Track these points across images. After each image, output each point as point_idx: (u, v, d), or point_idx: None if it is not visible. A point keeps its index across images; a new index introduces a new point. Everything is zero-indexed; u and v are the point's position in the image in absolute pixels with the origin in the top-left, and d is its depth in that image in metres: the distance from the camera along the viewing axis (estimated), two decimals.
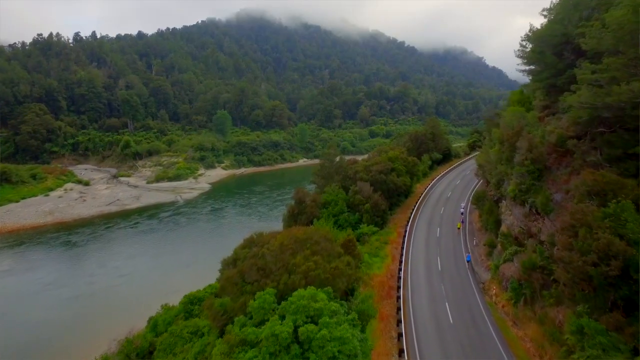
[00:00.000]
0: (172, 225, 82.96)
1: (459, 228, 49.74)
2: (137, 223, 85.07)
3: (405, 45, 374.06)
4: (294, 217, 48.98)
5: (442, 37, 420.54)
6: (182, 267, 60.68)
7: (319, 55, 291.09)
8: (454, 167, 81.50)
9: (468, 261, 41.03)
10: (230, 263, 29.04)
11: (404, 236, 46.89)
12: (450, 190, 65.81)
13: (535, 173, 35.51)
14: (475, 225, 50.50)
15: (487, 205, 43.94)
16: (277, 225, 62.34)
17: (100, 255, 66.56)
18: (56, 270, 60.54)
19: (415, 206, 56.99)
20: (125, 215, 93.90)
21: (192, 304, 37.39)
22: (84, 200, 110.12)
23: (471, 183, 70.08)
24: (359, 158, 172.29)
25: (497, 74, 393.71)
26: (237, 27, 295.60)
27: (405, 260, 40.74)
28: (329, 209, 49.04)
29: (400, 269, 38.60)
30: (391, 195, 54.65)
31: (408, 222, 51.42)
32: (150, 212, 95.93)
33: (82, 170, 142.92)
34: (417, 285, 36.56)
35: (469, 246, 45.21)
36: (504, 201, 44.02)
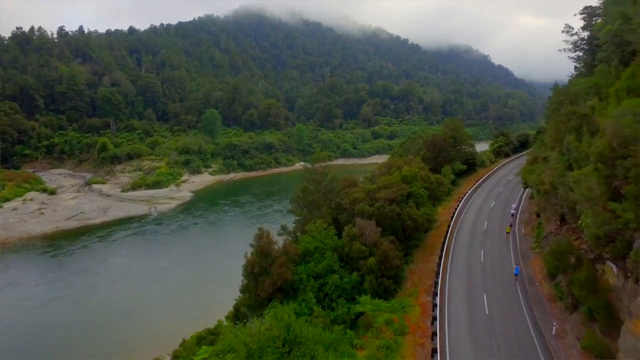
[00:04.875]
0: (121, 249, 64.73)
1: (507, 232, 41.02)
2: (84, 247, 66.32)
3: (409, 42, 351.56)
4: (255, 278, 29.39)
5: (445, 34, 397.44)
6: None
7: (320, 53, 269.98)
8: (483, 181, 61.09)
9: (516, 274, 32.11)
10: None
11: (433, 317, 27.10)
12: (486, 218, 45.84)
13: None
14: (542, 289, 30.69)
15: (583, 273, 23.93)
16: (237, 252, 42.31)
17: None
18: None
19: (442, 249, 37.06)
20: (79, 234, 75.37)
21: None
22: (42, 214, 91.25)
23: (511, 202, 50.38)
24: (361, 162, 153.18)
25: (503, 73, 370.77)
26: (235, 24, 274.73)
27: None
28: (310, 264, 29.44)
29: None
30: (408, 236, 34.97)
31: (436, 281, 31.62)
32: (110, 229, 77.37)
33: (55, 175, 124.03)
34: None
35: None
36: (611, 265, 24.21)
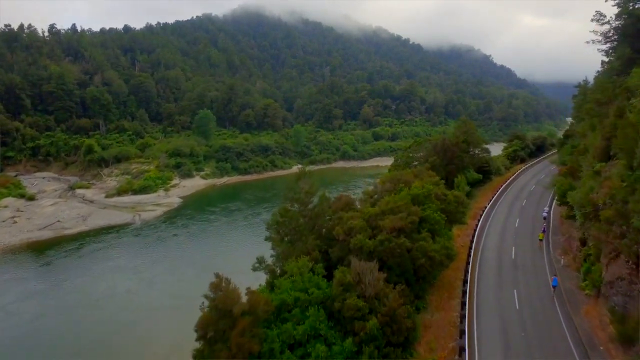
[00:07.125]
0: (87, 267, 55.86)
1: (540, 240, 37.04)
2: (47, 263, 57.87)
3: (410, 42, 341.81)
4: (210, 344, 20.51)
5: (447, 34, 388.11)
6: None
7: (320, 52, 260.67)
8: (501, 192, 51.92)
9: (554, 286, 28.23)
10: None
11: None
12: (513, 243, 36.92)
13: None
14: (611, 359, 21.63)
15: None
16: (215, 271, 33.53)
17: None
18: None
19: (463, 290, 28.03)
20: (49, 246, 66.87)
21: None
22: (15, 222, 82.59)
23: (538, 220, 41.50)
24: (361, 165, 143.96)
25: (505, 73, 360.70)
26: (233, 23, 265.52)
27: None
28: (287, 325, 20.63)
29: None
30: (421, 277, 26.08)
31: (461, 347, 22.57)
32: (83, 240, 69.21)
33: (39, 179, 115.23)
34: None
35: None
36: None
